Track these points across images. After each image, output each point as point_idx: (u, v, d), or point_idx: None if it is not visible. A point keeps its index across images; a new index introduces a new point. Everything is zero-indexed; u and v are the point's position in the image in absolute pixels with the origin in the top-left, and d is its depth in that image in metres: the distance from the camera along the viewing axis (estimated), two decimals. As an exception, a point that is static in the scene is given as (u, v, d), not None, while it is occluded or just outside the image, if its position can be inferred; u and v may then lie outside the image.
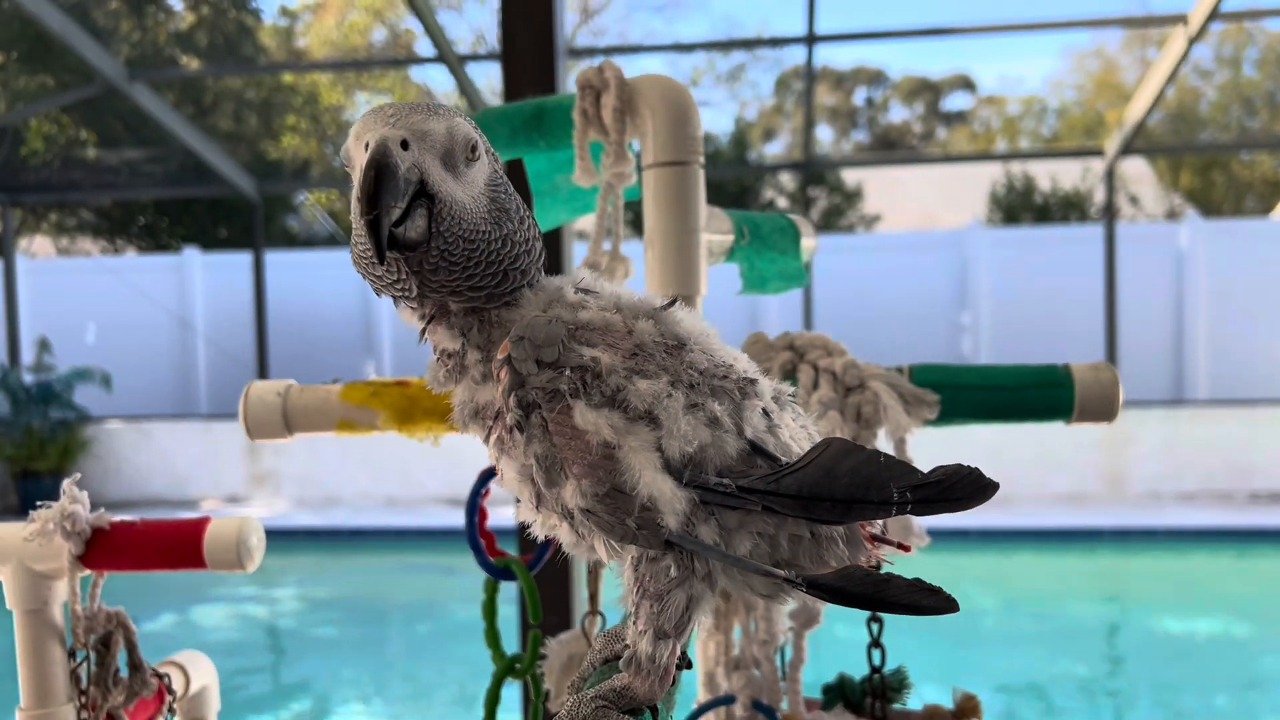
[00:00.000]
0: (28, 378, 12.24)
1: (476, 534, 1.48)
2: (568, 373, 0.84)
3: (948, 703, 1.53)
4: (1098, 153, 12.50)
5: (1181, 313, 13.49)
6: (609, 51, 14.44)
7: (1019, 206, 17.75)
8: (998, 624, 8.07)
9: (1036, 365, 1.45)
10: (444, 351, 0.93)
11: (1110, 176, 11.79)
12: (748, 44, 17.29)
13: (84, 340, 14.02)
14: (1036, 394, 1.43)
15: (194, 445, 12.13)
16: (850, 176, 18.58)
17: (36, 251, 17.77)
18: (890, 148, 20.77)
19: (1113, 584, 9.26)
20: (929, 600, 0.81)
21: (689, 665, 1.05)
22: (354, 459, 11.64)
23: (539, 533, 0.90)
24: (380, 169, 0.83)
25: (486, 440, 0.90)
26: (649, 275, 1.43)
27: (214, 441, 12.05)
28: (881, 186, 18.85)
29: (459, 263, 0.88)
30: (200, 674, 1.95)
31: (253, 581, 9.97)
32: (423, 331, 0.94)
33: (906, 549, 0.95)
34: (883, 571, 0.84)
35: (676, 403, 0.83)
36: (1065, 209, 17.58)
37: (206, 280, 14.57)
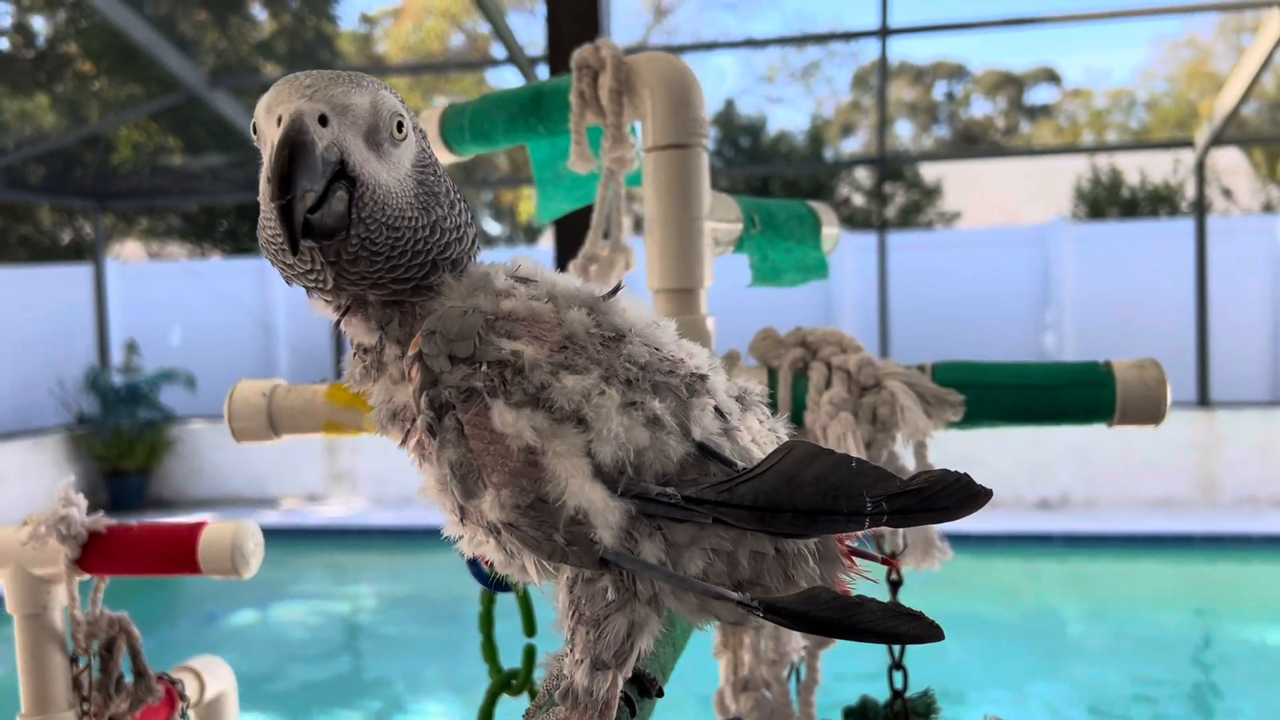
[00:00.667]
0: (117, 379, 12.60)
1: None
2: (484, 368, 0.74)
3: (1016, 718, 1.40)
4: (1188, 144, 12.02)
5: (1279, 308, 12.91)
6: (680, 49, 14.35)
7: (1105, 201, 17.17)
8: (1081, 633, 7.78)
9: (1074, 363, 1.32)
10: (360, 346, 0.84)
11: (1201, 168, 11.31)
12: (820, 39, 17.04)
13: (170, 342, 14.39)
14: (1074, 394, 1.30)
15: (273, 445, 12.28)
16: (929, 172, 18.18)
17: (128, 256, 18.32)
18: (972, 143, 20.30)
19: (1204, 593, 8.87)
20: (907, 626, 0.70)
21: (660, 694, 0.95)
22: (430, 459, 11.73)
23: (466, 550, 0.81)
24: (295, 147, 0.75)
25: (404, 444, 0.82)
26: (649, 265, 1.34)
27: (293, 441, 12.22)
28: (962, 182, 18.41)
29: (381, 252, 0.79)
30: (216, 680, 1.91)
31: (331, 579, 10.12)
32: (337, 324, 0.85)
33: (891, 562, 0.84)
34: (855, 595, 0.74)
35: (610, 401, 0.73)
36: (1154, 203, 16.96)
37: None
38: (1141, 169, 17.08)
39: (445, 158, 1.57)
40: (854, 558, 0.81)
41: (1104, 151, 17.52)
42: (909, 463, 1.31)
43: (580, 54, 1.37)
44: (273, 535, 1.66)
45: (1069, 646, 7.48)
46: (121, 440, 11.98)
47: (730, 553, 0.74)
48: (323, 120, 0.77)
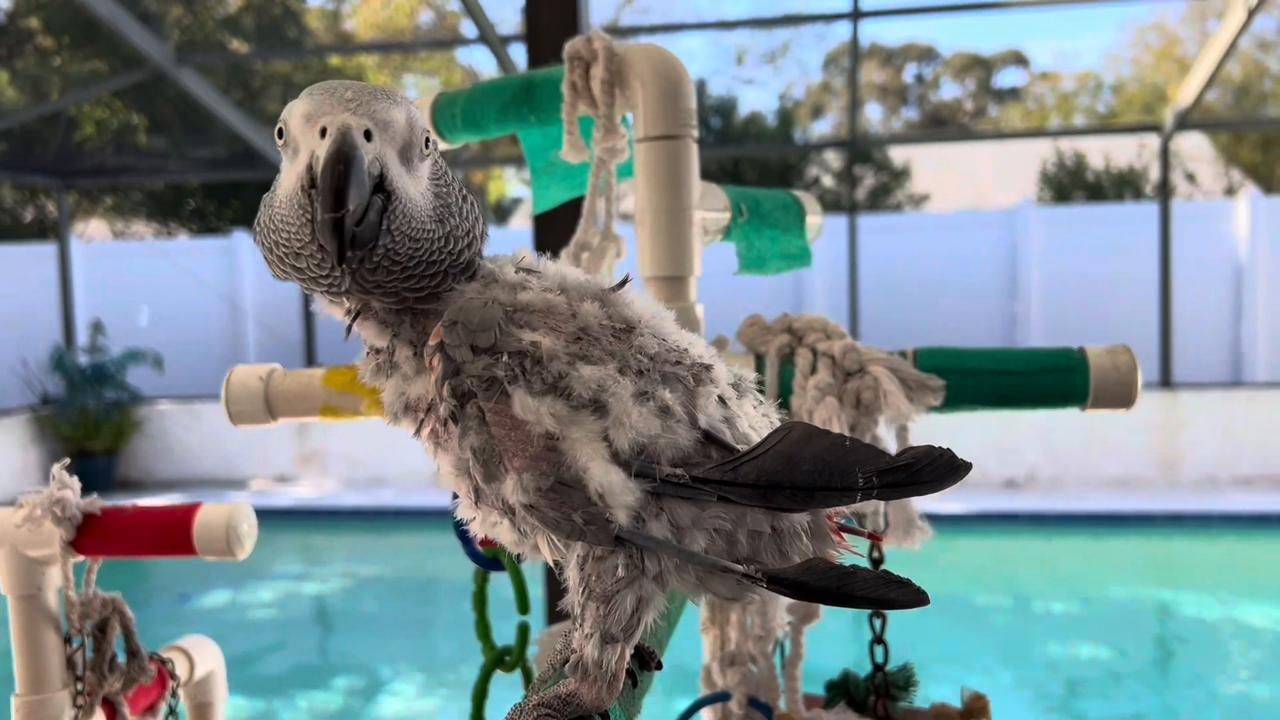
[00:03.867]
0: (82, 359, 12.47)
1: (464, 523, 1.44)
2: (505, 358, 0.78)
3: (984, 691, 1.45)
4: (1154, 128, 12.17)
5: (1240, 292, 13.12)
6: (652, 30, 14.32)
7: (1071, 184, 17.36)
8: (1046, 609, 7.93)
9: (1049, 349, 1.37)
10: (372, 347, 0.88)
11: (1166, 153, 11.47)
12: (792, 20, 17.05)
13: (136, 322, 14.24)
14: (1048, 379, 1.35)
15: (243, 426, 12.27)
16: (899, 155, 18.29)
17: (92, 235, 18.09)
18: (941, 125, 20.42)
19: (1165, 570, 9.05)
20: (897, 593, 0.75)
21: (659, 667, 0.99)
22: (401, 438, 11.49)
23: (478, 531, 0.85)
24: (349, 162, 0.76)
25: (417, 434, 0.85)
26: (639, 254, 1.37)
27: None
28: (931, 165, 18.54)
29: (401, 262, 0.81)
30: (206, 659, 1.93)
31: (302, 560, 10.10)
32: (349, 327, 0.88)
33: (877, 537, 0.88)
34: (849, 565, 0.79)
35: (624, 390, 0.78)
36: (1119, 187, 17.17)
37: (255, 262, 14.72)
38: (1107, 153, 17.26)
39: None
40: (842, 534, 0.86)
41: (1071, 135, 17.68)
42: (891, 446, 1.35)
43: (572, 45, 1.40)
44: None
45: (1035, 623, 7.62)
46: (88, 421, 11.87)
47: (730, 532, 0.78)
48: (368, 135, 0.79)
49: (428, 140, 0.83)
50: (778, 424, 0.86)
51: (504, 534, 0.84)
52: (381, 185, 0.79)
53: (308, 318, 12.92)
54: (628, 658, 0.81)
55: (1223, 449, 10.60)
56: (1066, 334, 13.27)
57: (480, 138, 1.55)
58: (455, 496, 0.86)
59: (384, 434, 11.77)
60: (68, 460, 1.57)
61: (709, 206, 1.44)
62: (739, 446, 0.80)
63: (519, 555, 0.86)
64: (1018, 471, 10.70)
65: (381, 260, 0.80)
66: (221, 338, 14.51)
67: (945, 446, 0.75)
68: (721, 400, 0.83)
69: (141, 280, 14.59)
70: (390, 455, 11.83)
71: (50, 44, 13.50)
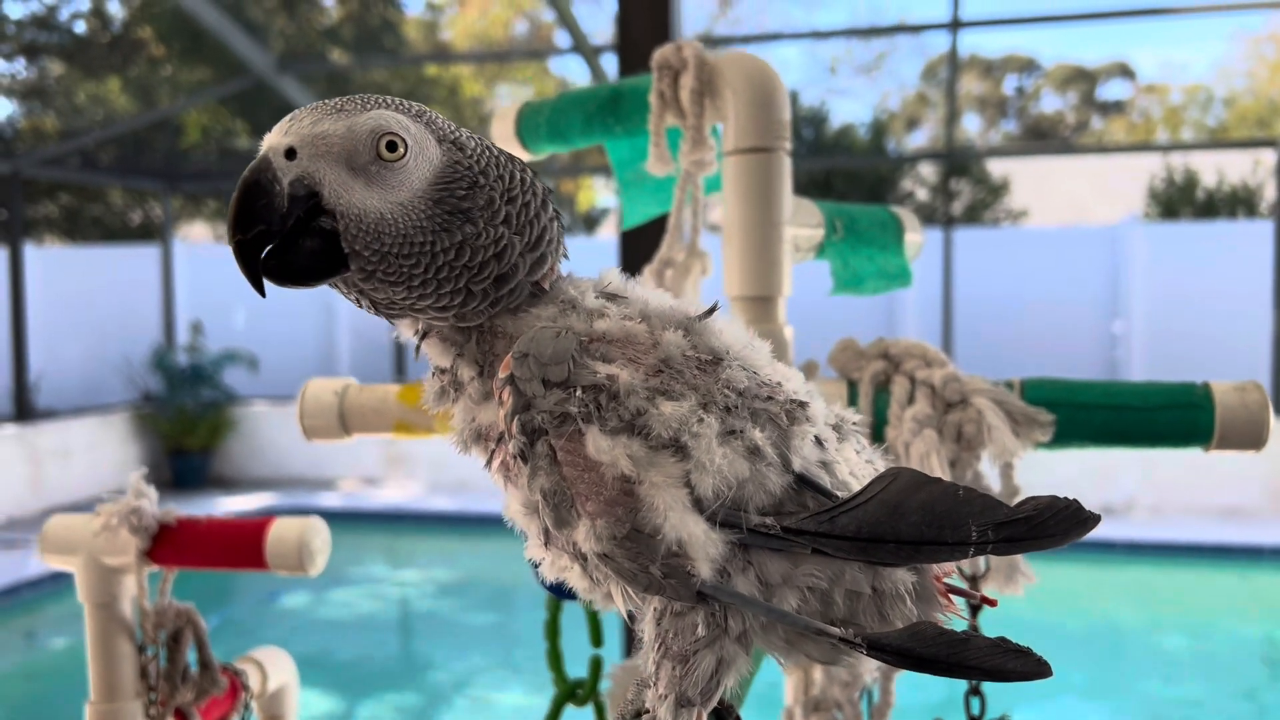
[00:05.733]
0: (182, 359, 12.84)
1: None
2: (579, 393, 0.72)
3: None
4: (1269, 144, 11.66)
5: (1359, 315, 12.49)
6: (745, 40, 14.23)
7: (1180, 201, 16.74)
8: (1144, 644, 7.61)
9: (1170, 383, 1.26)
10: (437, 367, 0.82)
11: (1282, 169, 10.98)
12: (888, 31, 16.80)
13: (234, 324, 14.63)
14: (1169, 416, 1.24)
15: (333, 428, 12.51)
16: (997, 168, 17.86)
17: (195, 238, 18.66)
18: (1042, 138, 19.91)
19: (1273, 607, 8.63)
20: (1015, 664, 0.67)
21: (737, 718, 0.92)
22: (487, 444, 11.80)
23: (548, 574, 0.79)
24: (248, 187, 0.74)
25: (488, 465, 0.79)
26: (727, 272, 1.30)
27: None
28: (1031, 179, 18.05)
29: (402, 281, 0.76)
30: (279, 672, 1.91)
31: (387, 563, 10.23)
32: (417, 347, 0.83)
33: (992, 603, 0.80)
34: (960, 630, 0.70)
35: (709, 429, 0.70)
36: (1232, 204, 16.50)
37: (350, 268, 15.01)
38: (1219, 168, 16.61)
39: (520, 156, 1.55)
40: (950, 597, 0.77)
41: (1179, 150, 17.07)
42: (994, 483, 1.26)
43: (661, 53, 1.34)
44: (331, 518, 1.66)
45: (1130, 657, 7.32)
46: (185, 419, 12.21)
47: (825, 591, 0.71)
48: (289, 153, 0.75)
49: (391, 144, 0.77)
50: (882, 471, 0.79)
51: (575, 579, 0.78)
52: (318, 204, 0.75)
53: (398, 325, 13.12)
54: (704, 719, 0.74)
55: (1338, 480, 10.08)
56: (1171, 356, 12.77)
57: (566, 148, 1.50)
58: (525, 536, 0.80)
59: (469, 440, 11.89)
60: (145, 469, 1.56)
61: (801, 223, 1.37)
62: (837, 493, 0.72)
63: (590, 601, 0.79)
64: (1116, 498, 10.32)
65: (378, 281, 0.76)
66: (315, 341, 14.82)
67: (1071, 497, 0.67)
68: (818, 441, 0.75)
69: (240, 283, 14.89)
70: (476, 460, 11.91)
71: (160, 53, 13.96)
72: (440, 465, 12.12)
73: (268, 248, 0.76)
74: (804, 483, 0.73)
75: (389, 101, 0.79)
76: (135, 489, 1.55)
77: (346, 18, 14.27)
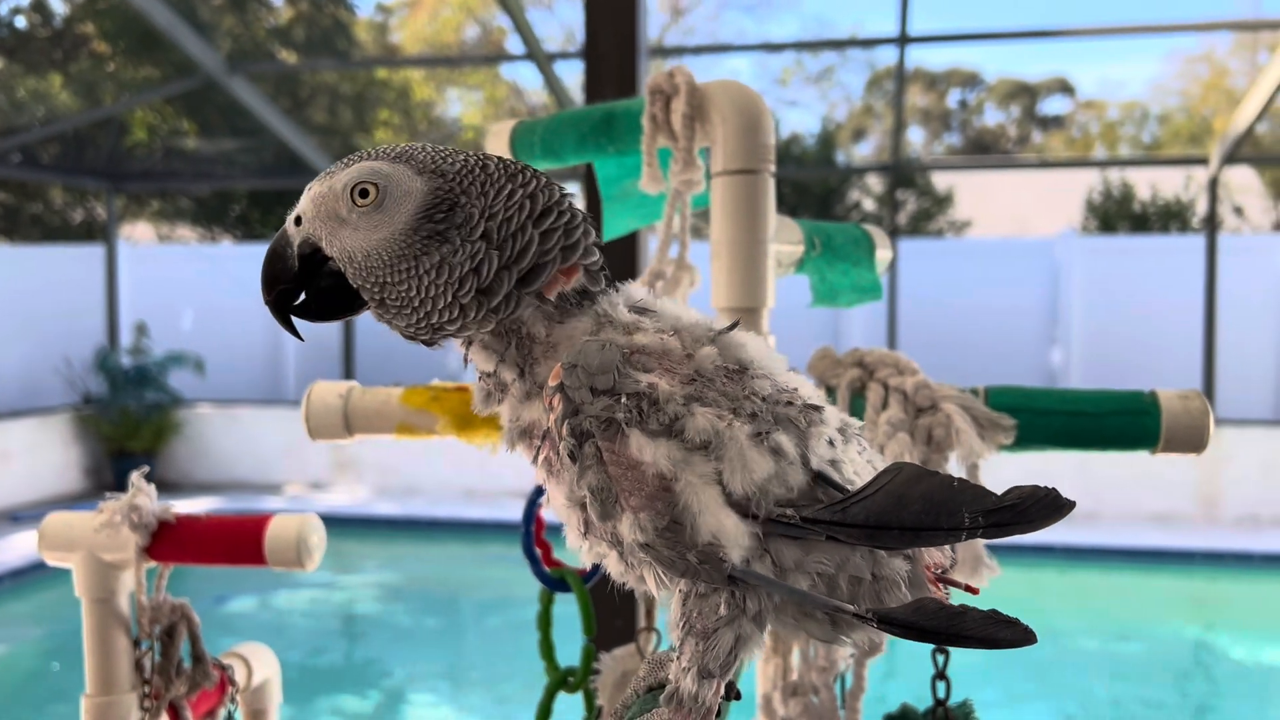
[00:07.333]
0: (125, 360, 12.65)
1: (533, 543, 1.46)
2: (624, 399, 0.80)
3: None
4: (1202, 161, 12.06)
5: (1286, 328, 12.95)
6: (697, 51, 14.38)
7: (1116, 215, 17.20)
8: (1079, 645, 7.83)
9: (1121, 391, 1.38)
10: (482, 372, 0.91)
11: (1214, 186, 11.36)
12: (838, 44, 17.06)
13: (179, 325, 14.44)
14: (1120, 422, 1.35)
15: (280, 431, 12.41)
16: (941, 180, 18.21)
17: (138, 238, 18.37)
18: (984, 151, 20.33)
19: (1204, 609, 8.92)
20: (1006, 633, 0.77)
21: (738, 697, 1.01)
22: (435, 449, 11.78)
23: (585, 560, 0.88)
24: (269, 255, 0.91)
25: (534, 461, 0.88)
26: (715, 286, 1.39)
27: (299, 428, 12.14)
28: (973, 191, 18.43)
29: (408, 304, 0.88)
30: (262, 666, 1.97)
31: (332, 568, 10.16)
32: (465, 357, 0.92)
33: (974, 591, 0.89)
34: (957, 605, 0.80)
35: (739, 432, 0.80)
36: (1165, 219, 17.00)
37: (298, 270, 14.86)
38: (1153, 184, 17.10)
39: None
40: (939, 584, 0.87)
41: (1116, 165, 17.54)
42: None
43: (655, 79, 1.42)
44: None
45: (1067, 660, 7.54)
46: (128, 421, 12.04)
47: (832, 576, 0.80)
48: (298, 221, 0.91)
49: (364, 192, 0.88)
50: (879, 469, 0.88)
51: (611, 565, 0.86)
52: (320, 258, 0.91)
53: (347, 327, 13.05)
54: (722, 691, 0.83)
55: (1265, 487, 10.44)
56: (1108, 364, 13.14)
57: (559, 166, 1.58)
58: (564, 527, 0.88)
59: (418, 444, 11.85)
60: (146, 469, 1.61)
61: (784, 240, 1.46)
62: (847, 487, 0.82)
63: (624, 584, 0.88)
64: (1054, 503, 10.56)
65: (389, 308, 0.90)
66: (262, 344, 14.68)
67: (1050, 486, 0.76)
68: (830, 442, 0.84)
69: (185, 284, 14.80)
70: (423, 465, 11.90)
71: (105, 49, 13.76)
72: (387, 470, 12.08)
73: (300, 298, 0.93)
74: (820, 478, 0.81)
75: (371, 153, 0.90)
76: (136, 486, 1.60)
77: (297, 18, 14.17)
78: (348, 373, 13.12)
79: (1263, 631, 8.18)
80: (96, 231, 16.55)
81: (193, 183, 15.20)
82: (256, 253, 15.34)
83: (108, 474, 12.16)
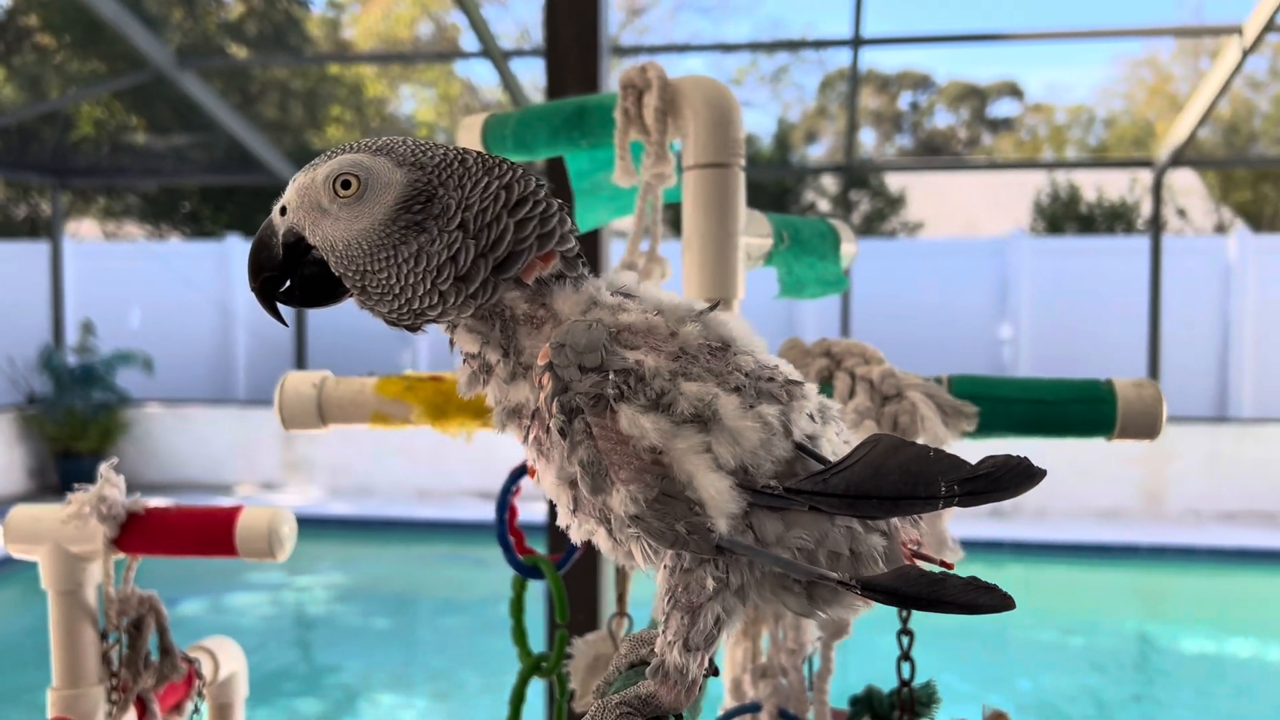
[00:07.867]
0: (71, 359, 12.42)
1: (506, 531, 1.48)
2: (611, 376, 0.83)
3: (976, 718, 1.50)
4: (1146, 164, 12.32)
5: (1227, 328, 13.26)
6: (653, 50, 14.42)
7: (1063, 216, 17.52)
8: (1028, 638, 7.98)
9: (1079, 380, 1.42)
10: (467, 354, 0.93)
11: (1158, 188, 11.61)
12: (792, 45, 17.20)
13: (127, 323, 14.20)
14: (1078, 409, 1.40)
15: (231, 431, 12.26)
16: (893, 181, 18.43)
17: (84, 235, 18.04)
18: (934, 153, 20.59)
19: (1148, 602, 9.13)
20: (986, 598, 0.80)
21: (715, 672, 1.04)
22: (388, 449, 11.71)
23: (575, 537, 0.90)
24: (255, 244, 0.94)
25: (525, 440, 0.90)
26: (686, 278, 1.42)
27: (250, 428, 12.18)
28: (925, 192, 18.68)
29: (390, 291, 0.90)
30: (229, 660, 1.96)
31: (284, 568, 10.05)
32: (451, 342, 0.94)
33: (948, 566, 0.92)
34: (938, 572, 0.83)
35: (725, 405, 0.82)
36: (1111, 220, 17.34)
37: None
38: (1099, 186, 17.43)
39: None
40: (915, 560, 0.90)
41: (1064, 167, 17.86)
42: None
43: (627, 74, 1.45)
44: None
45: (1015, 653, 7.67)
46: (74, 421, 11.82)
47: (811, 551, 0.82)
48: (283, 211, 0.94)
49: (346, 183, 0.90)
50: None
51: (600, 540, 0.88)
52: (304, 247, 0.93)
53: (299, 323, 12.92)
54: (706, 664, 0.86)
55: (1207, 483, 10.70)
56: (1055, 361, 13.39)
57: (530, 159, 1.60)
58: (552, 504, 0.90)
59: (371, 443, 11.79)
60: (116, 460, 1.61)
61: (754, 233, 1.49)
62: (828, 459, 0.84)
63: (615, 561, 0.90)
64: (1003, 501, 10.73)
65: (371, 296, 0.92)
66: (212, 342, 14.49)
67: (1023, 455, 0.79)
68: (811, 417, 0.87)
69: (133, 282, 14.56)
70: (377, 465, 11.82)
71: (50, 42, 13.49)
72: (340, 470, 11.98)
73: (285, 285, 0.95)
74: (801, 450, 0.84)
75: (352, 146, 0.93)
76: (105, 478, 1.59)
77: (248, 13, 13.99)
78: (299, 369, 12.98)
79: (1205, 624, 8.39)
80: (41, 228, 16.24)
81: (141, 179, 14.94)
82: (205, 250, 15.19)
83: (53, 475, 11.94)
